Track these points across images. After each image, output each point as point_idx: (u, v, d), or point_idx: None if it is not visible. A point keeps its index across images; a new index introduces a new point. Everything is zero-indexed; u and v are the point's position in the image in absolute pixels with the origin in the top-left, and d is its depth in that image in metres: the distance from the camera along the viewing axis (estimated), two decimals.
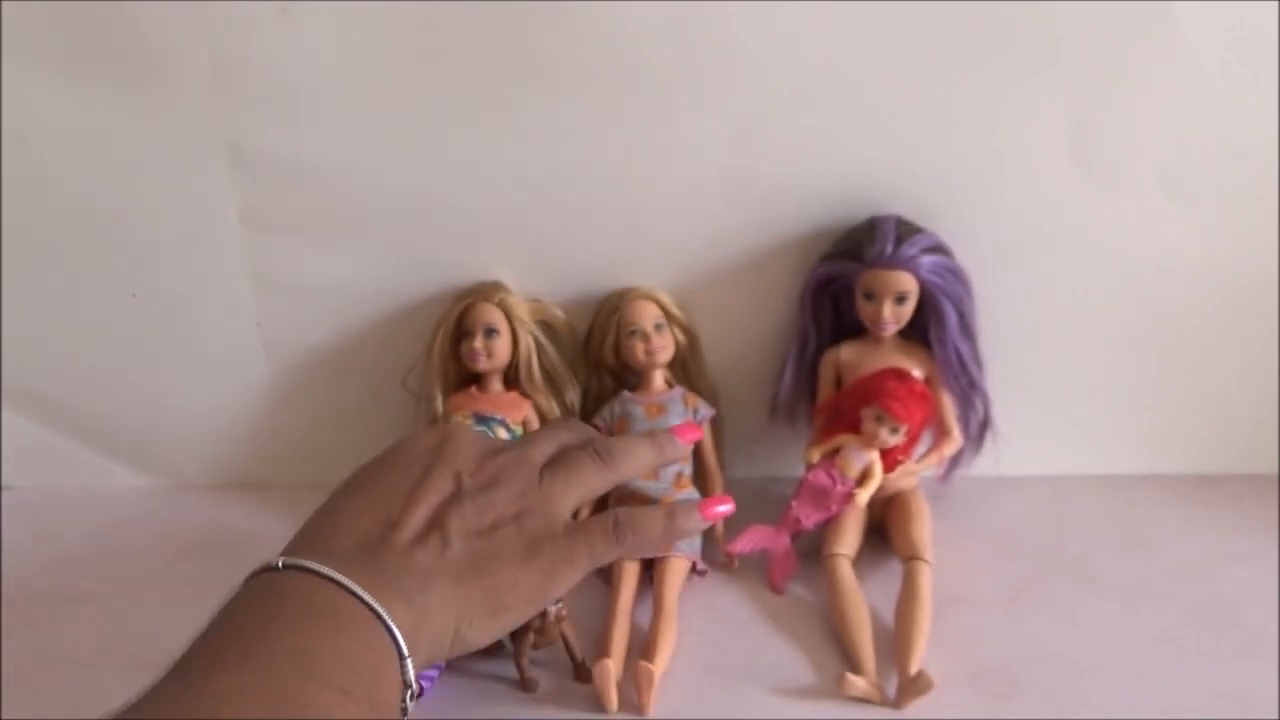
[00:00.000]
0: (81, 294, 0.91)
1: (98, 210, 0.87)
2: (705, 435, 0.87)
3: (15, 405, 0.96)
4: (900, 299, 0.80)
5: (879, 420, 0.78)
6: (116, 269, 0.90)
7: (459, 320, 0.86)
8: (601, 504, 0.86)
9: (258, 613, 0.46)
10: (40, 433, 0.97)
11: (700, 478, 0.87)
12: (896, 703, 0.67)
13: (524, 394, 0.87)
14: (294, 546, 0.52)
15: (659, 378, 0.87)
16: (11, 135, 0.84)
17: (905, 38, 0.79)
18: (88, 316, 0.92)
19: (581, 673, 0.70)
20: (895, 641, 0.71)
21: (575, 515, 0.58)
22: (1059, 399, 0.92)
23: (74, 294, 0.91)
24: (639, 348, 0.85)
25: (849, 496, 0.79)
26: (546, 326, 0.88)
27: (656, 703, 0.67)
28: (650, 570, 0.79)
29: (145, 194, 0.87)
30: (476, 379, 0.87)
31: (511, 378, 0.88)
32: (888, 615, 0.74)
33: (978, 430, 0.86)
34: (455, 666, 0.72)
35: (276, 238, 0.88)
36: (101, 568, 0.87)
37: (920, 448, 0.84)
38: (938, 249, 0.80)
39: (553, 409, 0.87)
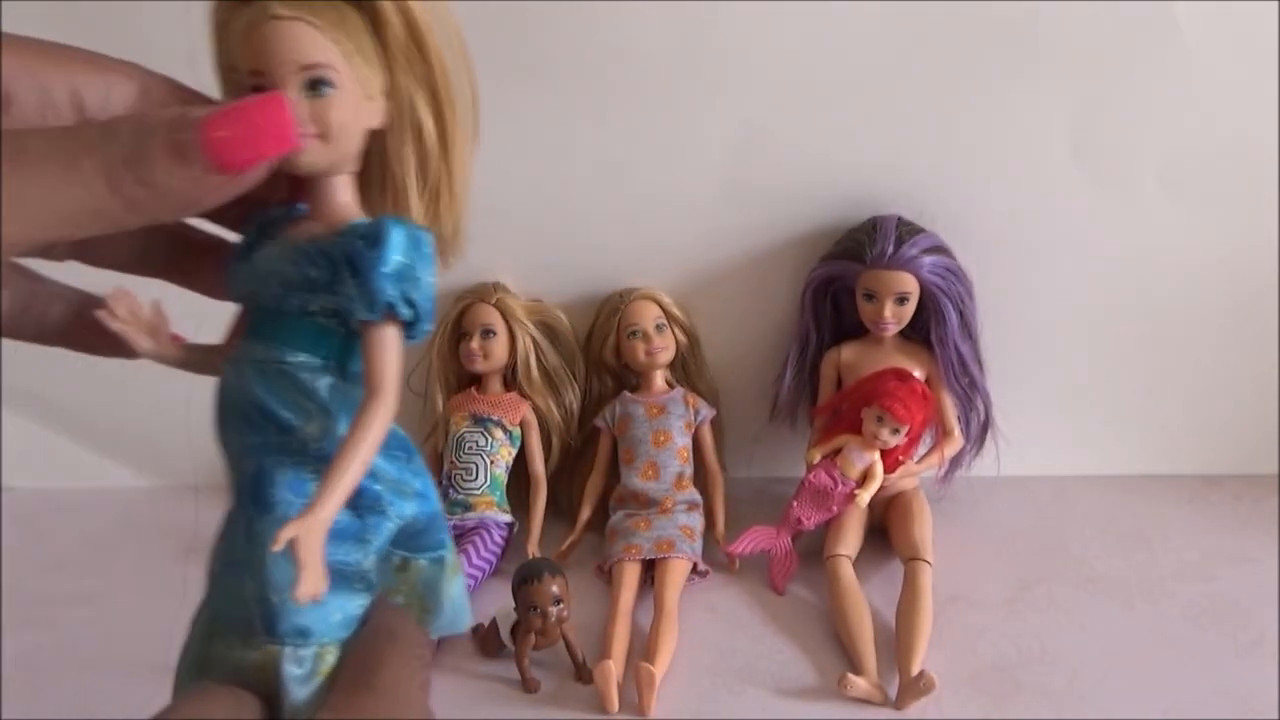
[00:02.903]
0: None
1: None
2: (705, 435, 0.87)
3: (15, 405, 0.96)
4: (901, 299, 0.80)
5: (880, 420, 0.78)
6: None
7: (457, 321, 0.86)
8: (603, 506, 0.87)
9: None
10: (40, 433, 0.97)
11: (701, 477, 0.87)
12: (898, 703, 0.67)
13: (523, 394, 0.87)
14: None
15: (659, 378, 0.87)
16: None
17: (906, 39, 0.79)
18: None
19: (583, 674, 0.70)
20: (896, 642, 0.71)
21: None
22: (1059, 399, 0.92)
23: None
24: (640, 348, 0.85)
25: (850, 497, 0.79)
26: (546, 327, 0.88)
27: (658, 703, 0.67)
28: (651, 571, 0.79)
29: None
30: (477, 379, 0.88)
31: (511, 378, 0.88)
32: (889, 615, 0.74)
33: (979, 431, 0.86)
34: (456, 667, 0.73)
35: None
36: (101, 568, 0.87)
37: (921, 448, 0.84)
38: (939, 249, 0.80)
39: (551, 409, 0.87)
